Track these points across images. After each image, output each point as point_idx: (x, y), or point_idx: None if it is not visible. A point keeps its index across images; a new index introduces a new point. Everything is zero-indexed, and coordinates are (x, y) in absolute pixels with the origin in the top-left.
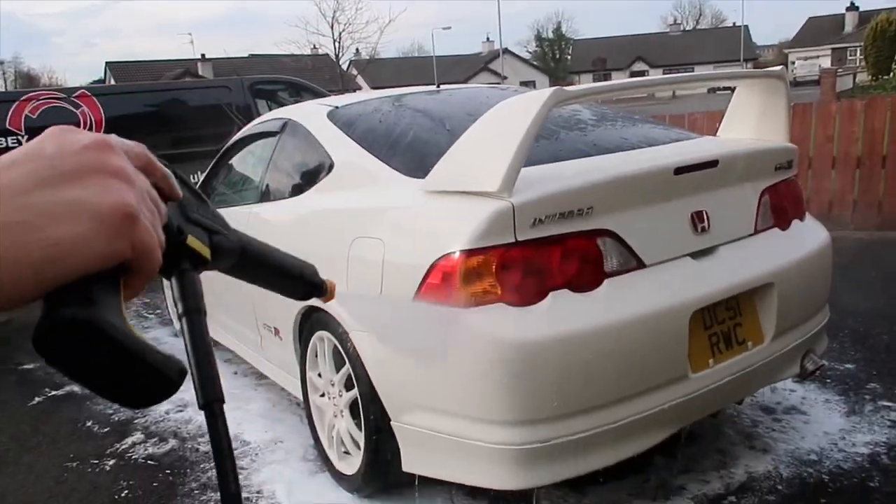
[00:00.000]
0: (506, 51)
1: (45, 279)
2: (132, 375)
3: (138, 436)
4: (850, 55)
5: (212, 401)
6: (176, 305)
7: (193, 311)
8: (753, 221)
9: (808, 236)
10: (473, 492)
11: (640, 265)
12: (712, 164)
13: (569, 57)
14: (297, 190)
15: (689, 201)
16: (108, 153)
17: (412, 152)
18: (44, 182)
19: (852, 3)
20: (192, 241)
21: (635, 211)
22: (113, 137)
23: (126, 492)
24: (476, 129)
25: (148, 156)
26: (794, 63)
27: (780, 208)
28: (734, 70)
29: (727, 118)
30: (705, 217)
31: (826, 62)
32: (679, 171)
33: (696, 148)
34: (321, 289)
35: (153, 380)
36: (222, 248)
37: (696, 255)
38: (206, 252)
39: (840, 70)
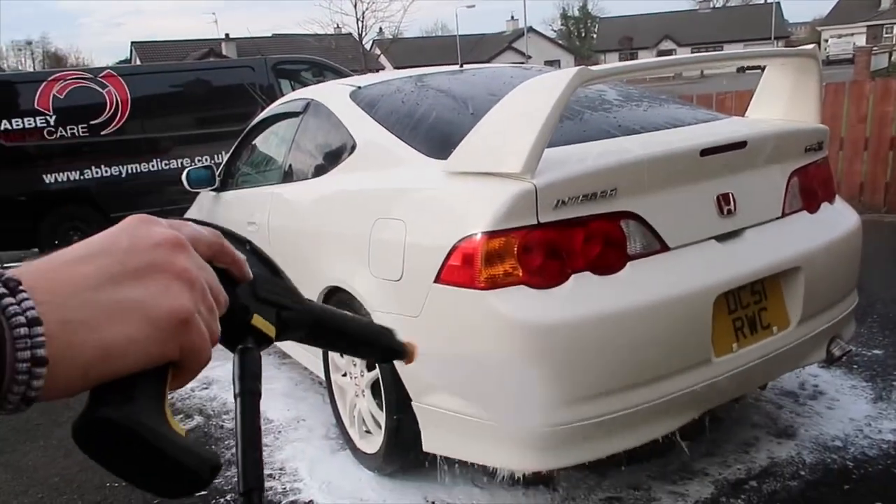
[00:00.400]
0: (530, 29)
1: (91, 378)
2: (163, 472)
3: None
4: (886, 33)
5: (251, 489)
6: (233, 383)
7: (248, 393)
8: (781, 204)
9: (837, 219)
10: (493, 472)
11: (664, 248)
12: (740, 145)
13: (594, 35)
14: (320, 170)
15: (715, 183)
16: (178, 253)
17: (435, 133)
18: (112, 279)
19: None
20: (258, 320)
21: (660, 193)
22: (187, 229)
23: None
24: (499, 110)
25: (220, 244)
26: (826, 41)
27: (809, 191)
28: (764, 49)
29: (756, 98)
30: (732, 199)
31: (861, 40)
32: (705, 152)
33: (723, 129)
34: (401, 353)
35: (185, 476)
36: (291, 323)
37: (721, 238)
38: (270, 331)
39: (875, 48)
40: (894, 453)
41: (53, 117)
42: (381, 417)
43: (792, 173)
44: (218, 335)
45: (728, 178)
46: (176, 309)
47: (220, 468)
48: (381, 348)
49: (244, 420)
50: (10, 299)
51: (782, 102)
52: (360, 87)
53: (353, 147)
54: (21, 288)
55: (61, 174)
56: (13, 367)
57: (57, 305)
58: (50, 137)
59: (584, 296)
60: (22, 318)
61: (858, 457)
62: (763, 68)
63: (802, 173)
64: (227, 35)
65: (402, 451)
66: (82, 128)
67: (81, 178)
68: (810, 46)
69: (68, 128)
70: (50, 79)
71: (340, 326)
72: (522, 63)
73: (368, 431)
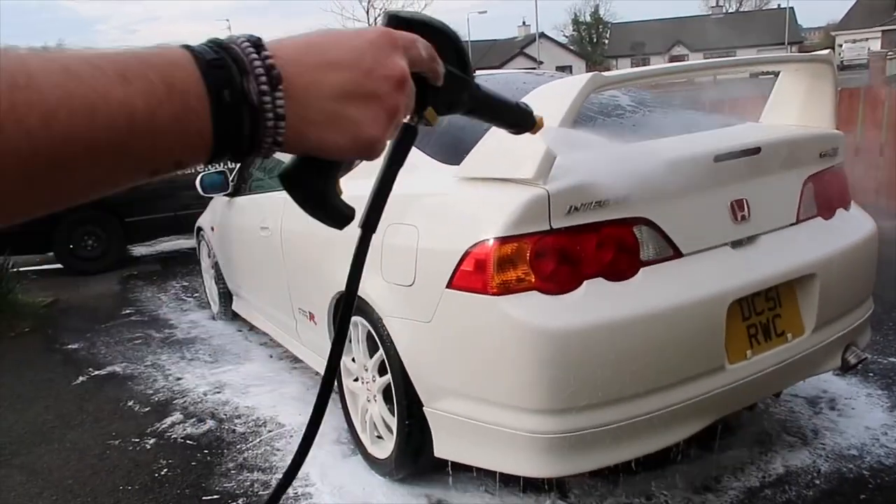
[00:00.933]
0: (542, 35)
1: (304, 153)
2: (327, 211)
3: (177, 416)
4: None
5: (368, 230)
6: (387, 153)
7: (395, 164)
8: (796, 210)
9: (852, 226)
10: (505, 478)
11: (678, 254)
12: (754, 151)
13: (606, 41)
14: None
15: (729, 189)
16: (399, 92)
17: (447, 138)
18: (346, 95)
19: None
20: (430, 113)
21: (673, 199)
22: (414, 52)
23: (165, 470)
24: None
25: (431, 58)
26: (841, 46)
27: (824, 197)
28: (778, 54)
29: (771, 103)
30: (746, 205)
31: (876, 45)
32: (719, 158)
33: (737, 134)
34: (530, 125)
35: (338, 217)
36: (455, 109)
37: (735, 244)
38: (434, 120)
39: (890, 53)
40: None
41: None
42: (393, 422)
43: (806, 179)
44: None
45: (742, 184)
46: (376, 136)
47: (353, 217)
48: (517, 120)
49: (384, 176)
50: (268, 97)
51: (796, 108)
52: None
53: None
54: (280, 87)
55: None
56: (262, 148)
57: (302, 106)
58: None
59: (596, 302)
60: (271, 115)
61: (875, 466)
62: (777, 74)
63: (817, 179)
64: None
65: (413, 456)
66: None
67: None
68: (825, 51)
69: None
70: None
71: (493, 107)
72: (534, 68)
73: (380, 436)
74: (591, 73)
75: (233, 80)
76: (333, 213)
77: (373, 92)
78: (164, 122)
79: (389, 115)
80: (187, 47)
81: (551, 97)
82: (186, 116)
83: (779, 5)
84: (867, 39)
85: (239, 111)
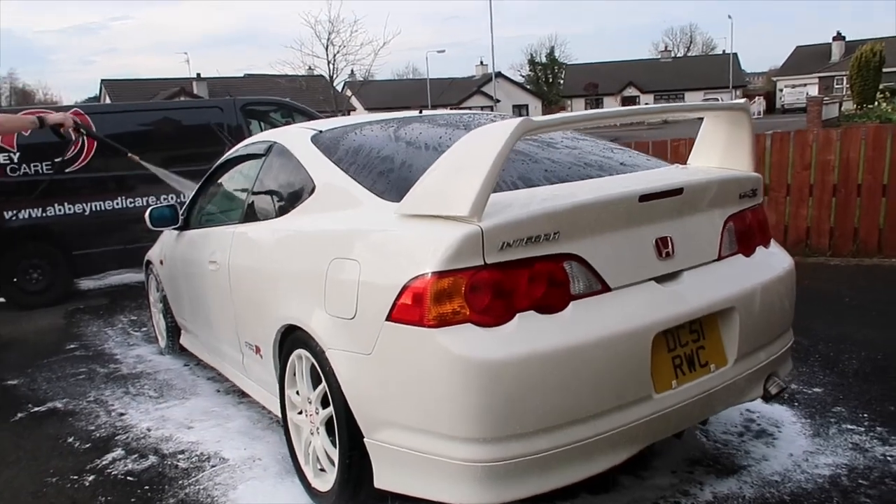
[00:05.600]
0: (499, 74)
1: None
2: None
3: (119, 452)
4: (837, 83)
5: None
6: None
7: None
8: (717, 247)
9: (771, 262)
10: None
11: (606, 288)
12: (677, 191)
13: (561, 81)
14: (281, 211)
15: (653, 228)
16: None
17: (390, 176)
18: None
19: (839, 34)
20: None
21: (601, 236)
22: None
23: None
24: (449, 156)
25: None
26: (781, 90)
27: (745, 235)
28: (699, 102)
29: (696, 147)
30: (670, 243)
31: (813, 90)
32: (644, 198)
33: (662, 176)
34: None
35: None
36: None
37: (660, 279)
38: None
39: (826, 98)
40: (829, 487)
41: (17, 154)
42: (335, 455)
43: (728, 218)
44: None
45: (666, 222)
46: None
47: None
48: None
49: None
50: None
51: (718, 151)
52: (321, 132)
53: (313, 189)
54: None
55: (22, 211)
56: None
57: None
58: (12, 174)
59: (528, 334)
60: None
61: (795, 491)
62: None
63: (738, 218)
64: (198, 74)
65: (355, 488)
66: (47, 165)
67: (43, 215)
68: (742, 100)
69: (32, 165)
70: None
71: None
72: (491, 107)
73: (322, 469)
74: (521, 119)
75: None
76: None
77: None
78: None
79: None
80: None
81: (485, 140)
82: None
83: (724, 51)
84: (805, 85)
85: None
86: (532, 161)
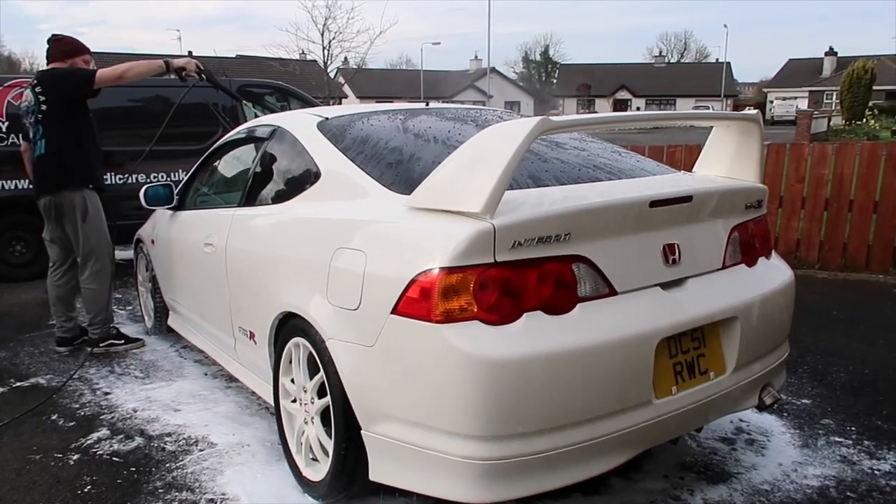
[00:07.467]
0: (493, 70)
1: None
2: None
3: (104, 432)
4: (827, 98)
5: None
6: None
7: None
8: (722, 257)
9: (772, 274)
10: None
11: (612, 292)
12: (686, 199)
13: (555, 80)
14: (283, 196)
15: (662, 234)
16: None
17: (398, 168)
18: None
19: (831, 49)
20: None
21: (610, 240)
22: None
23: (89, 487)
24: (463, 151)
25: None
26: (772, 102)
27: (748, 245)
28: (714, 111)
29: (703, 155)
30: (677, 250)
31: (803, 103)
32: (654, 203)
33: (672, 183)
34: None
35: None
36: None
37: (665, 285)
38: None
39: (816, 112)
40: (817, 498)
41: (6, 124)
42: (329, 445)
43: (733, 228)
44: None
45: (674, 229)
46: None
47: None
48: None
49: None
50: None
51: (727, 161)
52: (327, 118)
53: (318, 176)
54: None
55: (9, 181)
56: None
57: None
58: (0, 144)
59: (534, 334)
60: None
61: (784, 500)
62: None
63: (742, 229)
64: (189, 53)
65: (348, 479)
66: None
67: (28, 186)
68: (754, 111)
69: (21, 135)
70: (5, 84)
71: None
72: (483, 102)
73: (315, 459)
74: (540, 118)
75: None
76: None
77: None
78: None
79: None
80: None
81: (502, 137)
82: None
83: (717, 59)
84: (795, 98)
85: None
86: (542, 160)
